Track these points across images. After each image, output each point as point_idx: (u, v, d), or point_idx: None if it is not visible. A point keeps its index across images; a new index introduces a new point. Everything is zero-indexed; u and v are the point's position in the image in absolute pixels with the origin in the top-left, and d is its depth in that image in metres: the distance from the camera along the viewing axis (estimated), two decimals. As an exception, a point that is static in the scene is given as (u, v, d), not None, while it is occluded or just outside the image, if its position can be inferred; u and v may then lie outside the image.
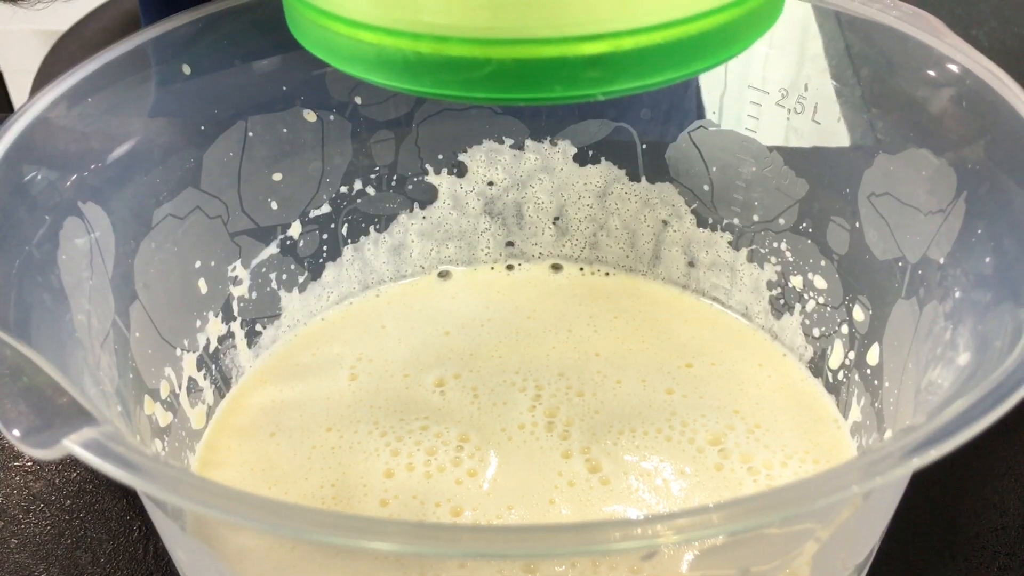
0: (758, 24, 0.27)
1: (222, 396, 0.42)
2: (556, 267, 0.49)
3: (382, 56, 0.24)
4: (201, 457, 0.39)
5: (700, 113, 0.44)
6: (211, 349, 0.41)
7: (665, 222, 0.47)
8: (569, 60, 0.23)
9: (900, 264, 0.37)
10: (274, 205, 0.43)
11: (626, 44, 0.23)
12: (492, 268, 0.49)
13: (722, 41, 0.25)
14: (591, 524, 0.21)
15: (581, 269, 0.49)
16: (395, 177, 0.46)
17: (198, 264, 0.40)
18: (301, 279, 0.45)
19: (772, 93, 0.41)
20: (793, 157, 0.42)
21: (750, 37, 0.26)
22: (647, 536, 0.21)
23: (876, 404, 0.38)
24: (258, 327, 0.44)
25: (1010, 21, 0.58)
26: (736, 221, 0.45)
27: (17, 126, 0.32)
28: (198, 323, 0.41)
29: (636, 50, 0.23)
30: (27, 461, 0.42)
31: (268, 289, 0.44)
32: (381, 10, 0.24)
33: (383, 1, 0.23)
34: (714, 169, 0.44)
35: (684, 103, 0.45)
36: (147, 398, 0.36)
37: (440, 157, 0.46)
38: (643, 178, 0.46)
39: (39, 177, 0.32)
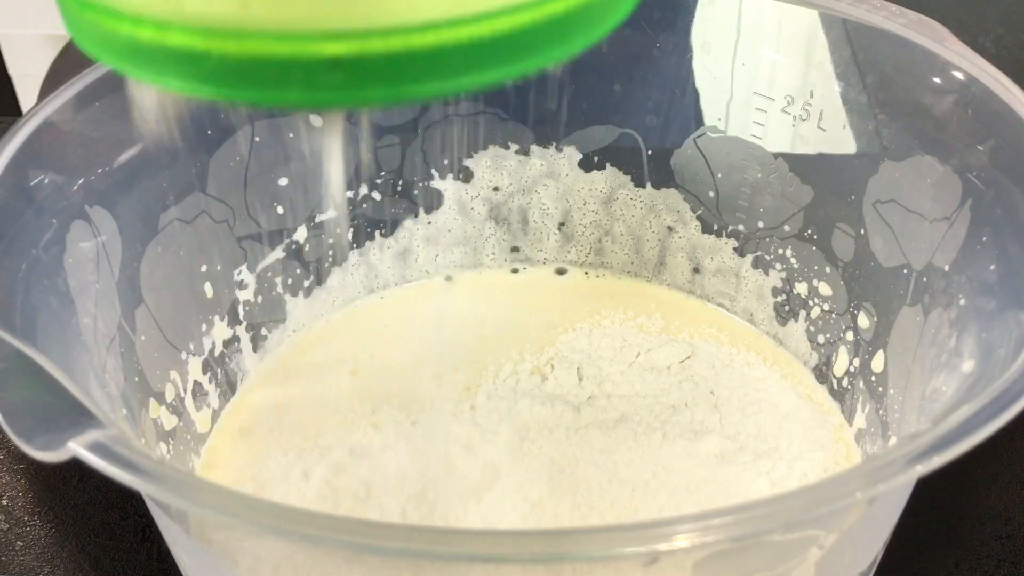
0: (547, 42, 0.21)
1: (227, 400, 0.42)
2: (561, 271, 0.49)
3: (106, 39, 0.21)
4: (204, 460, 0.39)
5: (699, 121, 0.44)
6: (216, 353, 0.42)
7: (670, 228, 0.47)
8: (304, 60, 0.20)
9: (905, 271, 0.37)
10: (280, 210, 0.43)
11: (375, 46, 0.20)
12: (497, 273, 0.49)
13: (504, 51, 0.21)
14: (592, 530, 0.21)
15: (586, 273, 0.49)
16: (401, 182, 0.46)
17: (204, 268, 0.40)
18: (307, 283, 0.45)
19: (778, 100, 0.41)
20: (798, 164, 0.42)
21: (544, 55, 0.22)
22: (649, 541, 0.21)
23: (881, 411, 0.38)
24: (263, 331, 0.44)
25: (1017, 28, 0.58)
26: (741, 227, 0.45)
27: (25, 130, 0.32)
28: (204, 327, 0.41)
29: (387, 54, 0.20)
30: (32, 463, 0.43)
31: (274, 293, 0.44)
32: None
33: None
34: (719, 175, 0.44)
35: (682, 110, 0.45)
36: (152, 401, 0.37)
37: (446, 162, 0.46)
38: (648, 184, 0.46)
39: (46, 181, 0.32)
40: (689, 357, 0.43)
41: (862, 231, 0.39)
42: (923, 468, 0.23)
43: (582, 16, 0.21)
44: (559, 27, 0.21)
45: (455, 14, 0.20)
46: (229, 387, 0.42)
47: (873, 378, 0.39)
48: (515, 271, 0.49)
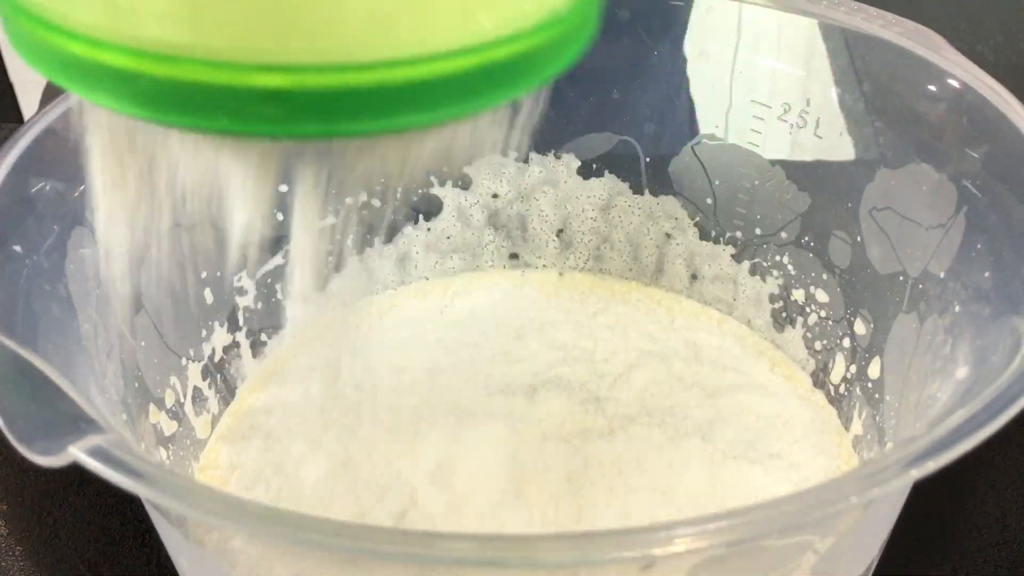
0: (485, 87, 0.21)
1: (227, 405, 0.42)
2: (560, 276, 0.49)
3: (41, 49, 0.21)
4: (202, 463, 0.39)
5: (697, 128, 0.44)
6: (216, 359, 0.42)
7: (668, 235, 0.47)
8: (237, 90, 0.19)
9: (901, 278, 0.37)
10: (280, 216, 0.43)
11: (310, 81, 0.19)
12: (496, 278, 0.49)
13: (445, 93, 0.20)
14: (588, 534, 0.21)
15: (586, 279, 0.49)
16: (400, 189, 0.46)
17: (204, 274, 0.40)
18: (306, 290, 0.45)
19: (775, 108, 0.42)
20: (795, 171, 0.42)
21: (481, 99, 0.21)
22: (645, 546, 0.21)
23: (877, 417, 0.38)
24: (263, 337, 0.44)
25: (1016, 37, 0.58)
26: (739, 234, 0.45)
27: (27, 137, 0.32)
28: (203, 333, 0.41)
29: (322, 90, 0.19)
30: (32, 468, 0.43)
31: (273, 299, 0.44)
32: None
33: None
34: (717, 183, 0.45)
35: (680, 117, 0.45)
36: (152, 407, 0.37)
37: (445, 169, 0.47)
38: (647, 191, 0.46)
39: (47, 188, 0.32)
40: (690, 360, 0.43)
41: (859, 238, 0.39)
42: (918, 473, 0.23)
43: (518, 64, 0.21)
44: (495, 74, 0.21)
45: (392, 56, 0.19)
46: (229, 392, 0.42)
47: (870, 384, 0.39)
48: (514, 277, 0.49)
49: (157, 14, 0.19)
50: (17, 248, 0.30)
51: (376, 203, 0.46)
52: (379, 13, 0.19)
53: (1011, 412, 0.24)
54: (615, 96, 0.45)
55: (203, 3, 0.19)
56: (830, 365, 0.42)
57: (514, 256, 0.49)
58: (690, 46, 0.43)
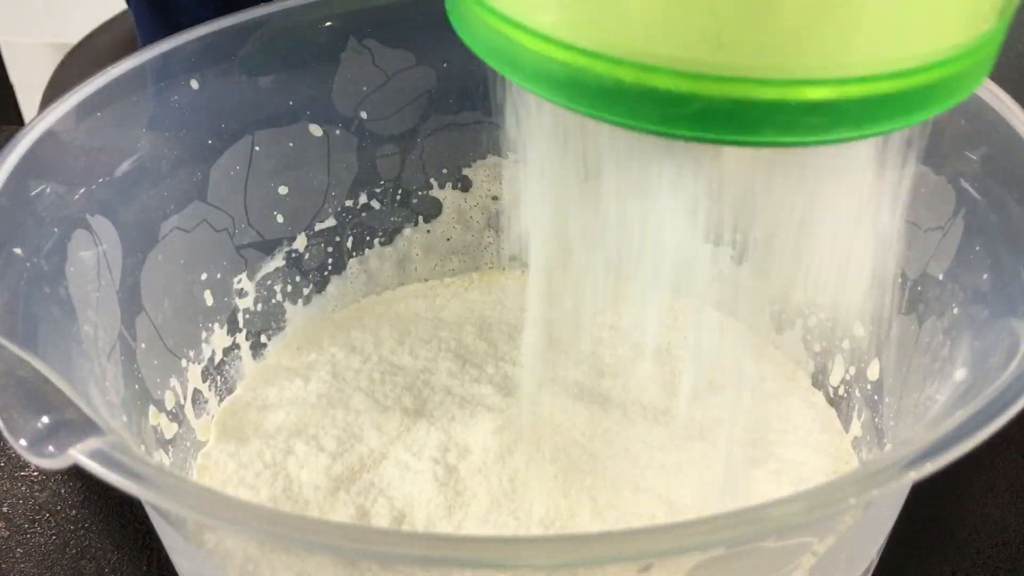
0: (979, 73, 0.24)
1: (227, 407, 0.42)
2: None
3: (574, 77, 0.21)
4: (200, 463, 0.39)
5: None
6: (216, 361, 0.42)
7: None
8: (788, 104, 0.21)
9: (900, 280, 0.37)
10: (280, 218, 0.43)
11: (852, 92, 0.21)
12: (496, 278, 0.49)
13: (947, 91, 0.23)
14: (586, 536, 0.21)
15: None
16: (400, 191, 0.46)
17: (204, 276, 0.41)
18: (306, 291, 0.45)
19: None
20: (794, 173, 0.42)
21: (972, 85, 0.24)
22: (643, 547, 0.21)
23: (876, 419, 0.38)
24: (263, 339, 0.44)
25: (1014, 39, 0.58)
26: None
27: (27, 140, 0.32)
28: (204, 335, 0.41)
29: (862, 98, 0.21)
30: (33, 471, 0.43)
31: (273, 301, 0.44)
32: (580, 28, 0.21)
33: (584, 18, 0.21)
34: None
35: None
36: (152, 409, 0.37)
37: (444, 171, 0.47)
38: (646, 193, 0.46)
39: (48, 190, 0.33)
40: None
41: (857, 240, 0.39)
42: (916, 474, 0.23)
43: (984, 63, 0.24)
44: (973, 72, 0.23)
45: (915, 64, 0.21)
46: (229, 394, 0.43)
47: (868, 386, 0.39)
48: (514, 276, 0.49)
49: (727, 40, 0.20)
50: (17, 251, 0.30)
51: (376, 205, 0.46)
52: (913, 28, 0.21)
53: (1009, 414, 0.24)
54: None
55: (728, 30, 0.20)
56: (829, 367, 0.42)
57: (513, 258, 0.49)
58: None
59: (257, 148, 0.41)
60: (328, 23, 0.41)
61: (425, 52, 0.43)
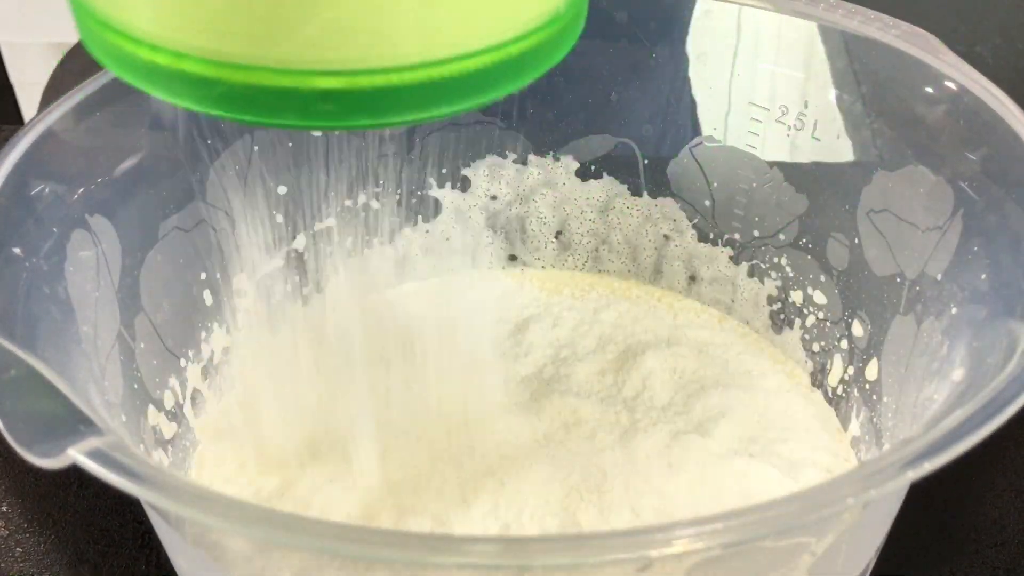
0: (524, 69, 0.25)
1: (226, 407, 0.42)
2: (560, 274, 0.49)
3: (128, 59, 0.24)
4: (201, 465, 0.39)
5: (695, 130, 0.44)
6: (215, 360, 0.42)
7: (667, 237, 0.47)
8: (300, 92, 0.23)
9: (898, 280, 0.37)
10: (279, 218, 0.43)
11: (361, 82, 0.23)
12: (496, 278, 0.49)
13: (473, 85, 0.24)
14: (584, 536, 0.21)
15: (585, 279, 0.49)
16: (399, 191, 0.46)
17: (203, 276, 0.41)
18: (306, 291, 0.45)
19: (773, 110, 0.42)
20: (793, 173, 0.42)
21: (515, 80, 0.25)
22: (641, 547, 0.21)
23: (875, 419, 0.38)
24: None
25: (1014, 39, 0.58)
26: (737, 236, 0.45)
27: (26, 139, 0.32)
28: (203, 334, 0.41)
29: (373, 89, 0.23)
30: (32, 470, 0.43)
31: (273, 302, 0.44)
32: (124, 16, 0.24)
33: (127, 8, 0.24)
34: (715, 184, 0.45)
35: (679, 119, 0.45)
36: (151, 408, 0.37)
37: (444, 171, 0.47)
38: (645, 193, 0.47)
39: (47, 190, 0.33)
40: (691, 357, 0.43)
41: (856, 240, 0.39)
42: (914, 474, 0.23)
43: (532, 55, 0.25)
44: (514, 65, 0.25)
45: (428, 58, 0.23)
46: (228, 394, 0.43)
47: (867, 386, 0.39)
48: (514, 275, 0.49)
49: (241, 32, 0.23)
50: (16, 250, 0.30)
51: (375, 205, 0.46)
52: (423, 25, 0.23)
53: (1007, 413, 0.24)
54: (613, 98, 0.45)
55: (279, 23, 0.22)
56: (828, 366, 0.42)
57: (513, 258, 0.49)
58: (691, 47, 0.43)
59: (256, 148, 0.41)
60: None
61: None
